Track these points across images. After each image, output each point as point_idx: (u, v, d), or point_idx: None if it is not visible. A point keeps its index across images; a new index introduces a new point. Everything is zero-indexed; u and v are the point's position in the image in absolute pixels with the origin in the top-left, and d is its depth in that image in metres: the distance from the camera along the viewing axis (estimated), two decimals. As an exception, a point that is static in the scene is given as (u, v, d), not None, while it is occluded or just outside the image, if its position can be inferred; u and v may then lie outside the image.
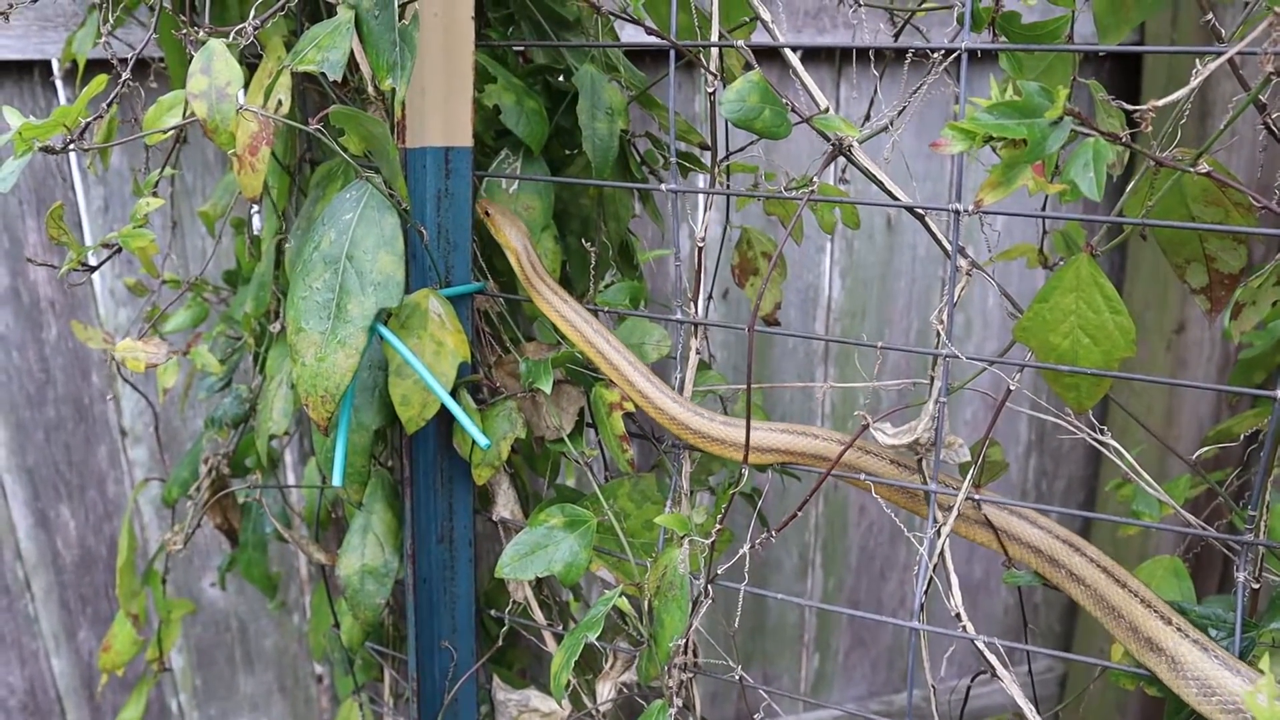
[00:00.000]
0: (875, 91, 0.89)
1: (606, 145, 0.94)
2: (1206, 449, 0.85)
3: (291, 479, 1.54)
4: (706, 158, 0.88)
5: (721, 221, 1.25)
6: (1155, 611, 0.71)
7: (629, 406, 0.86)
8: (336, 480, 0.84)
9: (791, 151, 1.53)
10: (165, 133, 0.82)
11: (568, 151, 1.07)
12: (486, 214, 0.90)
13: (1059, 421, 0.81)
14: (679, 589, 0.84)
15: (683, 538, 0.85)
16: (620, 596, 0.88)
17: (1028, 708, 0.83)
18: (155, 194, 0.89)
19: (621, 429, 0.86)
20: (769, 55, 0.84)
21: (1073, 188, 0.89)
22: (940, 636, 0.81)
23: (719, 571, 0.86)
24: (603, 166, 0.94)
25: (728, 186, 0.97)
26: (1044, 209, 1.02)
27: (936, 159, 1.64)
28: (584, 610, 1.12)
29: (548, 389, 0.86)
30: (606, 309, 0.92)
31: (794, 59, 0.78)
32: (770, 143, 1.44)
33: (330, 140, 0.83)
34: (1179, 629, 0.69)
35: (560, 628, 1.03)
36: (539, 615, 1.01)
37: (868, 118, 0.81)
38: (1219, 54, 0.62)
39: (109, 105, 0.86)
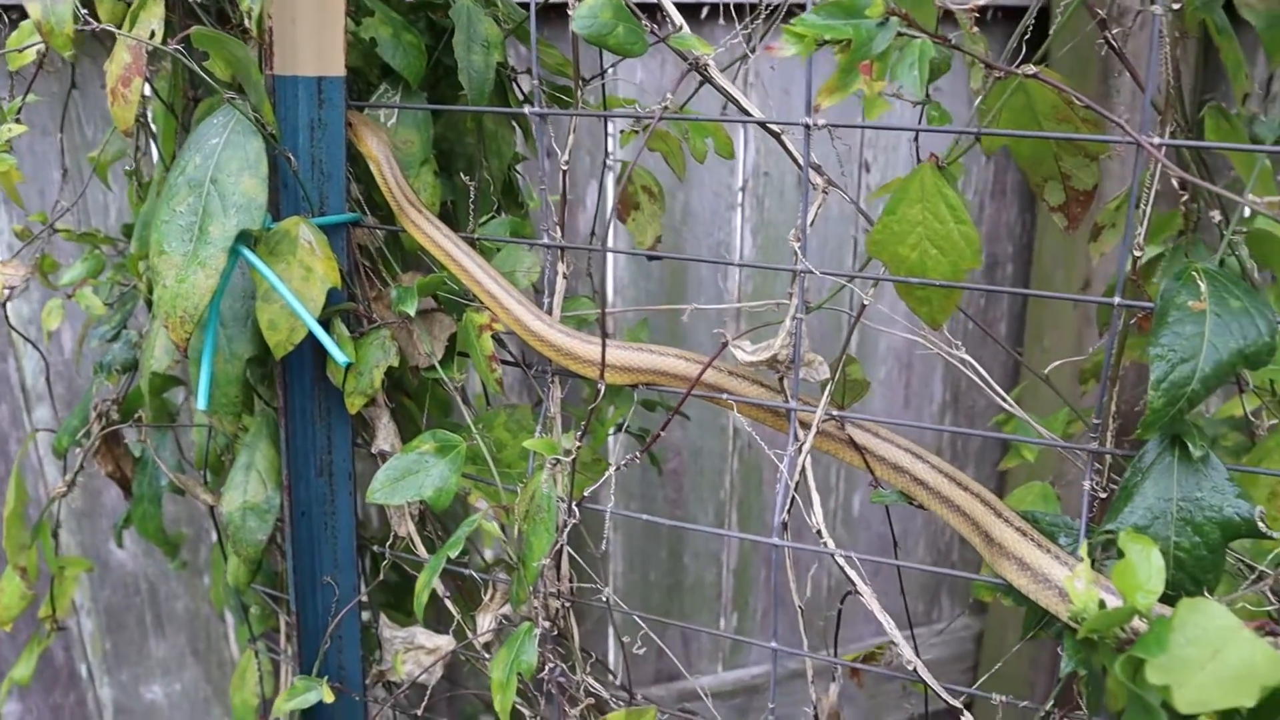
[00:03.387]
0: (746, 28, 0.90)
1: (482, 77, 0.95)
2: (1058, 362, 0.87)
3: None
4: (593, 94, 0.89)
5: (589, 148, 1.25)
6: (990, 507, 0.73)
7: (498, 327, 0.87)
8: (201, 404, 0.84)
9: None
10: (23, 50, 0.82)
11: (457, 93, 1.07)
12: (349, 124, 0.90)
13: (918, 338, 0.83)
14: (546, 511, 0.85)
15: (552, 461, 0.85)
16: (492, 522, 0.89)
17: (886, 621, 0.84)
18: (19, 120, 0.88)
19: (490, 349, 0.86)
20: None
21: (941, 113, 0.90)
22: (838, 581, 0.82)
23: (585, 494, 0.86)
24: (479, 99, 0.95)
25: (605, 123, 0.98)
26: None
27: (848, 113, 1.66)
28: (473, 548, 1.13)
29: (412, 311, 0.86)
30: (479, 238, 0.92)
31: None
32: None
33: (191, 62, 0.83)
34: (1006, 519, 0.71)
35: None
36: (421, 550, 1.01)
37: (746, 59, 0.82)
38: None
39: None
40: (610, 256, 1.55)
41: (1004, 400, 0.83)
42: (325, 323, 0.93)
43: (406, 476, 0.88)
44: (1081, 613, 0.63)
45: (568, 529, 0.86)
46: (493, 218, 0.98)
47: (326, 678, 0.98)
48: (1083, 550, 0.64)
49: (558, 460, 0.84)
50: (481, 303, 0.86)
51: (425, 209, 0.90)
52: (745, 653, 1.88)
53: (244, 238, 0.83)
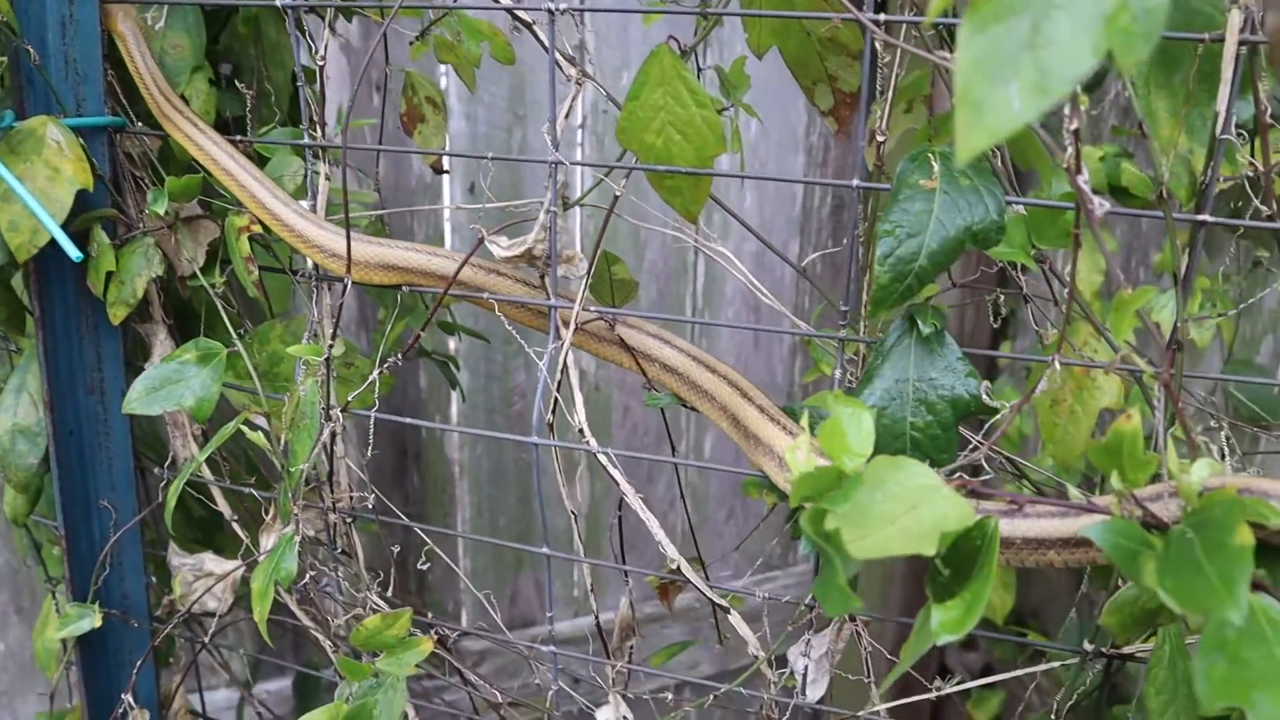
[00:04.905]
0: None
1: (252, -20, 0.91)
2: (813, 255, 0.87)
3: None
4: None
5: (423, 69, 1.22)
6: (737, 388, 0.73)
7: (257, 229, 0.84)
8: (-68, 308, 0.80)
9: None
10: None
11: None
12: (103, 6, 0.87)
13: (675, 233, 0.82)
14: (309, 418, 0.83)
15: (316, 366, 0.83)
16: (257, 432, 0.87)
17: (652, 521, 0.84)
18: None
19: (247, 250, 0.84)
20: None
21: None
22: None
23: (344, 400, 0.84)
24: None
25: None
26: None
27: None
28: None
29: (161, 211, 0.83)
30: (242, 140, 0.89)
31: None
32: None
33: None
34: (750, 398, 0.71)
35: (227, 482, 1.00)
36: (207, 472, 0.98)
37: None
38: None
39: None
40: (446, 187, 1.53)
41: (764, 295, 0.83)
42: (85, 231, 0.89)
43: (165, 386, 0.85)
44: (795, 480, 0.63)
45: (334, 435, 0.84)
46: (273, 128, 0.95)
47: (99, 604, 0.95)
48: (804, 420, 0.64)
49: (320, 364, 0.82)
50: (223, 186, 0.84)
51: (188, 111, 0.87)
52: (600, 599, 1.88)
53: (-25, 133, 0.79)
